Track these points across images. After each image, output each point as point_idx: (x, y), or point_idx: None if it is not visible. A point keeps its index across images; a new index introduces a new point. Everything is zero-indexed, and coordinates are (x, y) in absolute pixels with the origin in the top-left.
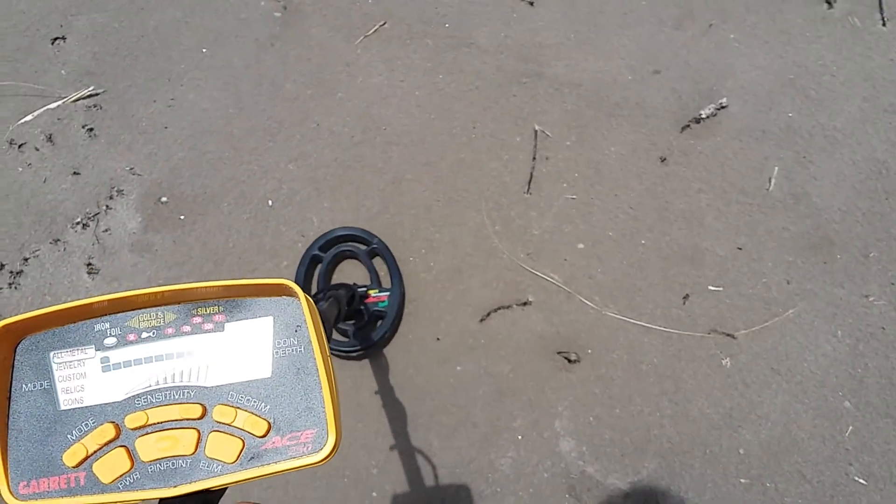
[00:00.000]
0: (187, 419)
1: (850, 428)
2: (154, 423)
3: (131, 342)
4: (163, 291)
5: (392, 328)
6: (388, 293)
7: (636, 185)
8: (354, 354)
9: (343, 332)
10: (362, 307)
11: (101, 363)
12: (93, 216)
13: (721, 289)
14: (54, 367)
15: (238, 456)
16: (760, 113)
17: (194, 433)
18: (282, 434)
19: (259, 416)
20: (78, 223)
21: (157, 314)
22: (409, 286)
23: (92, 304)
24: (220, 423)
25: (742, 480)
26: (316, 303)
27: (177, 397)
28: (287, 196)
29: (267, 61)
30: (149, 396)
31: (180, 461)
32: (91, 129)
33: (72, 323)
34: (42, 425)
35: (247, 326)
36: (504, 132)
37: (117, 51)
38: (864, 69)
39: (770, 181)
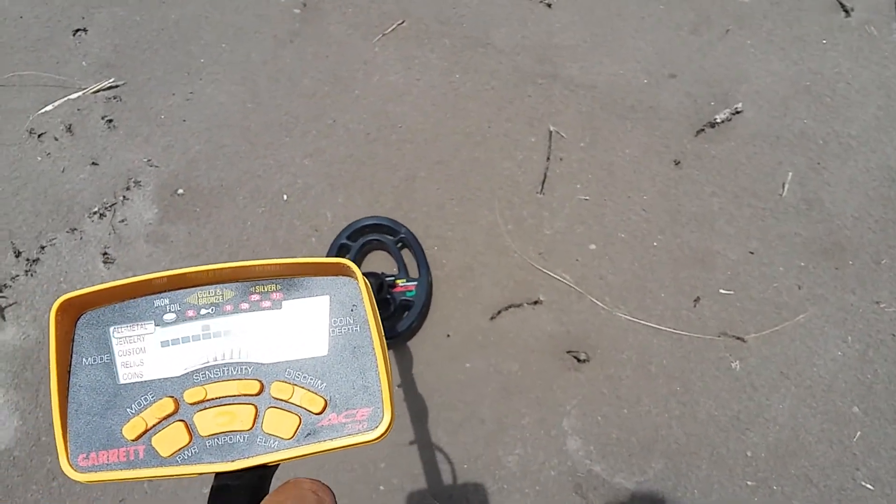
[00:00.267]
0: (245, 395)
1: (858, 433)
2: (212, 399)
3: (190, 318)
4: (221, 269)
5: (419, 318)
6: (415, 283)
7: (649, 187)
8: None
9: None
10: (389, 296)
11: (161, 338)
12: (110, 206)
13: (732, 292)
14: (114, 341)
15: (295, 432)
16: (775, 118)
17: (252, 409)
18: (338, 411)
19: (316, 394)
20: (95, 213)
21: (215, 291)
22: None
23: (151, 280)
24: (277, 399)
25: (749, 483)
26: None
27: (234, 373)
28: (302, 191)
29: (285, 57)
30: (207, 372)
31: (238, 436)
32: (110, 121)
33: (131, 299)
34: (102, 399)
35: (304, 305)
36: (518, 132)
37: (137, 44)
38: (880, 78)
39: (783, 186)
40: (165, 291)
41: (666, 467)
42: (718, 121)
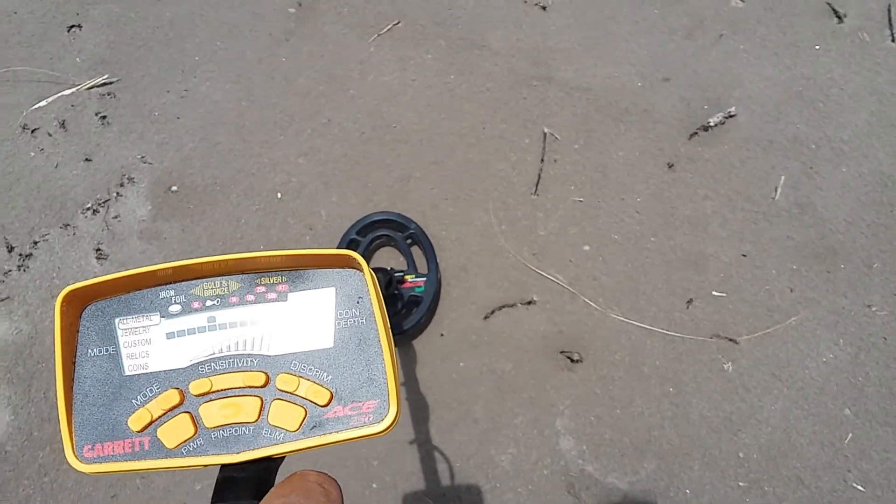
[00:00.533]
0: (250, 387)
1: (850, 435)
2: (218, 391)
3: (196, 310)
4: (227, 260)
5: (428, 314)
6: (424, 279)
7: (643, 189)
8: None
9: None
10: (397, 292)
11: (166, 330)
12: (103, 202)
13: (724, 294)
14: (119, 333)
15: (300, 424)
16: (768, 123)
17: (257, 401)
18: (344, 404)
19: (322, 386)
20: (88, 209)
21: (221, 283)
22: None
23: (157, 271)
24: (282, 391)
25: (741, 483)
26: None
27: (240, 365)
28: (296, 189)
29: (280, 56)
30: (213, 364)
31: (243, 428)
32: (104, 117)
33: (137, 290)
34: (107, 390)
35: (309, 297)
36: (513, 134)
37: (132, 41)
38: (872, 84)
39: (776, 190)
40: (171, 283)
41: (658, 468)
42: (712, 124)
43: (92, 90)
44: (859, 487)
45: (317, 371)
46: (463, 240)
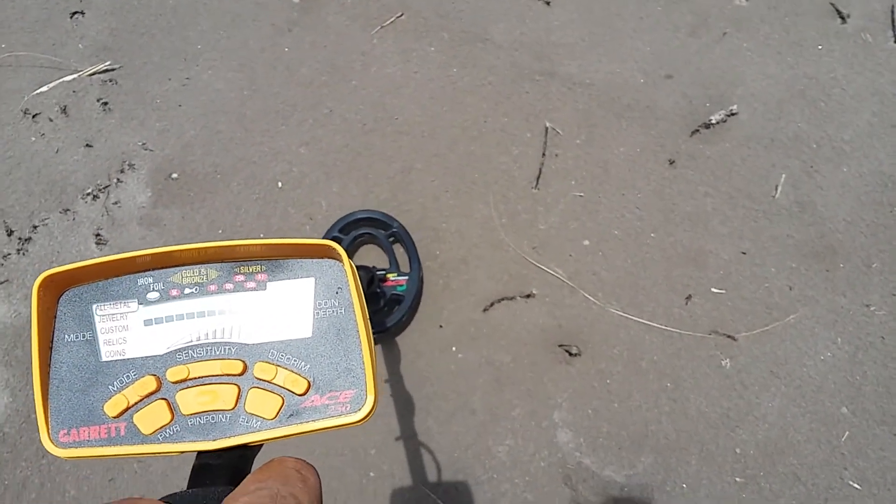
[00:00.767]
0: (228, 375)
1: (847, 433)
2: (195, 378)
3: (174, 297)
4: (206, 248)
5: (409, 312)
6: (406, 277)
7: (643, 185)
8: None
9: None
10: (379, 290)
11: (144, 317)
12: (103, 188)
13: (723, 291)
14: (97, 319)
15: (277, 413)
16: (770, 121)
17: (234, 389)
18: (321, 393)
19: (299, 375)
20: (88, 194)
21: (200, 271)
22: None
23: (135, 258)
24: (260, 379)
25: (737, 479)
26: None
27: (218, 353)
28: (297, 179)
29: (283, 46)
30: (190, 351)
31: (220, 416)
32: (105, 103)
33: (115, 276)
34: (83, 376)
35: (288, 286)
36: (515, 127)
37: (135, 28)
38: (874, 84)
39: (776, 188)
40: (149, 270)
41: (655, 462)
42: (713, 122)
43: (94, 76)
44: (855, 485)
45: (295, 360)
46: (463, 232)
